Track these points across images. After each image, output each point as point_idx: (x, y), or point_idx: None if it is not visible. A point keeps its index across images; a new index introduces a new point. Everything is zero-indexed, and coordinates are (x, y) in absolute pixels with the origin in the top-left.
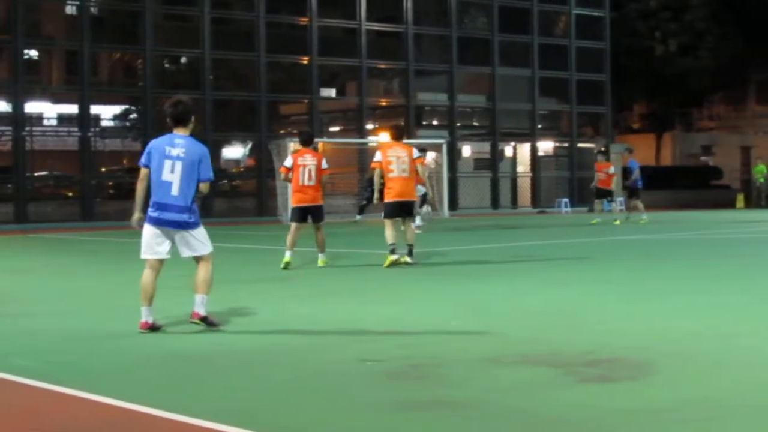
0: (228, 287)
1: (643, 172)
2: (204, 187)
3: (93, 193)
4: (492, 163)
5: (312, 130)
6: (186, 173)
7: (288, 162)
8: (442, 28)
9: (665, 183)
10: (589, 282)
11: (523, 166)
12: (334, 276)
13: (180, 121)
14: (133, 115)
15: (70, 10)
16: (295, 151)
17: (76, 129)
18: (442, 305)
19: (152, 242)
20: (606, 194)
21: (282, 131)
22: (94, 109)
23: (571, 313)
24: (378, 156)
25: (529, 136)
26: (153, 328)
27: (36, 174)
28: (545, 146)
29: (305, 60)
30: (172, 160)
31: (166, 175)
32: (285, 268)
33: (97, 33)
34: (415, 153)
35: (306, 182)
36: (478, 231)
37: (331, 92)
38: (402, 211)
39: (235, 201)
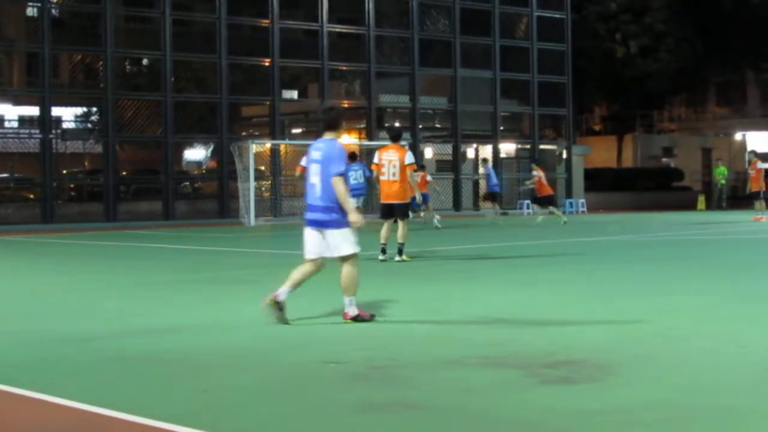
0: (189, 289)
1: (605, 174)
2: (334, 182)
3: (54, 195)
4: (454, 164)
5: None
6: (324, 175)
7: (375, 158)
8: (404, 30)
9: (626, 185)
10: (551, 283)
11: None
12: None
13: (330, 127)
14: (95, 117)
15: (30, 11)
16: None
17: (37, 131)
18: (404, 307)
19: (306, 242)
20: (548, 200)
21: (243, 133)
22: (55, 111)
23: (533, 315)
24: (375, 158)
25: (491, 138)
26: (280, 307)
27: None
28: (507, 148)
29: (266, 62)
30: (314, 164)
31: (312, 178)
32: None
33: (57, 35)
34: (409, 158)
35: (389, 178)
36: (439, 232)
37: (293, 94)
38: (392, 212)
39: (196, 203)
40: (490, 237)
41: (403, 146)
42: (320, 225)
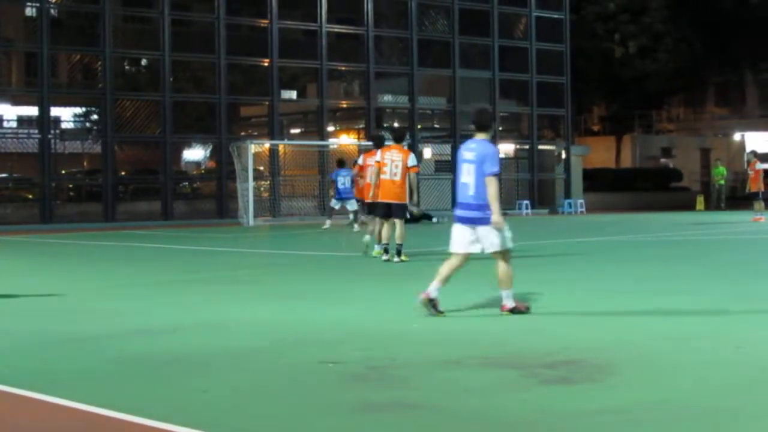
0: (188, 289)
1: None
2: (488, 181)
3: (52, 195)
4: (453, 165)
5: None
6: (477, 174)
7: (359, 160)
8: (402, 31)
9: (625, 185)
10: (550, 283)
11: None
12: (296, 278)
13: (482, 128)
14: (94, 117)
15: (29, 11)
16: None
17: (35, 131)
18: (402, 307)
19: (455, 237)
20: None
21: (242, 133)
22: (54, 111)
23: (532, 316)
24: (378, 156)
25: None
26: (433, 304)
27: None
28: (506, 148)
29: (265, 62)
30: (467, 164)
31: (465, 178)
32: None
33: (56, 35)
34: (412, 160)
35: (390, 177)
36: (437, 233)
37: (292, 94)
38: (389, 212)
39: (195, 203)
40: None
41: (406, 147)
42: (473, 222)
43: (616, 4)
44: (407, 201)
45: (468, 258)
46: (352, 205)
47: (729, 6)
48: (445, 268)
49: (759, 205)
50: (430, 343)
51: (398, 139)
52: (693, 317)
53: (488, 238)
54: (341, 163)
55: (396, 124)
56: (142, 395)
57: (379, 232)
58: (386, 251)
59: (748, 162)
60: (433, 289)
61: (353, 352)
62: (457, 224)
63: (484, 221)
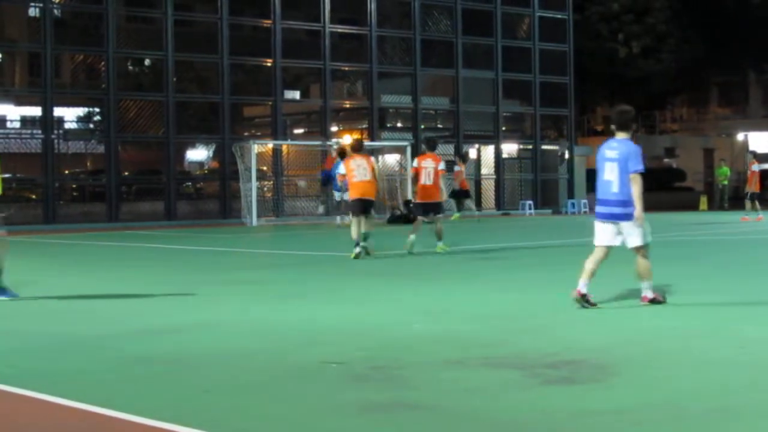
0: (190, 289)
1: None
2: (633, 178)
3: (56, 195)
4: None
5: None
6: (621, 172)
7: (415, 163)
8: (406, 31)
9: None
10: (552, 283)
11: (487, 168)
12: (298, 278)
13: (623, 127)
14: (97, 117)
15: (32, 12)
16: (420, 156)
17: (39, 131)
18: (404, 308)
19: (598, 232)
20: (465, 194)
21: (245, 133)
22: (57, 111)
23: (535, 315)
24: (415, 163)
25: (493, 138)
26: (586, 299)
27: None
28: (509, 148)
29: (269, 62)
30: (609, 162)
31: (607, 175)
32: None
33: (59, 35)
34: (441, 165)
35: (426, 182)
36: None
37: (295, 94)
38: (428, 210)
39: (198, 203)
40: (490, 237)
41: (437, 155)
42: (616, 218)
43: (620, 5)
44: (441, 200)
45: (610, 251)
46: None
47: (732, 6)
48: (589, 263)
49: (749, 204)
50: (431, 343)
51: (432, 147)
52: (695, 317)
53: (630, 234)
54: (343, 155)
55: (399, 124)
56: (144, 395)
57: (415, 230)
58: (357, 245)
59: (749, 162)
60: (582, 285)
61: (355, 353)
62: (599, 221)
63: (627, 217)
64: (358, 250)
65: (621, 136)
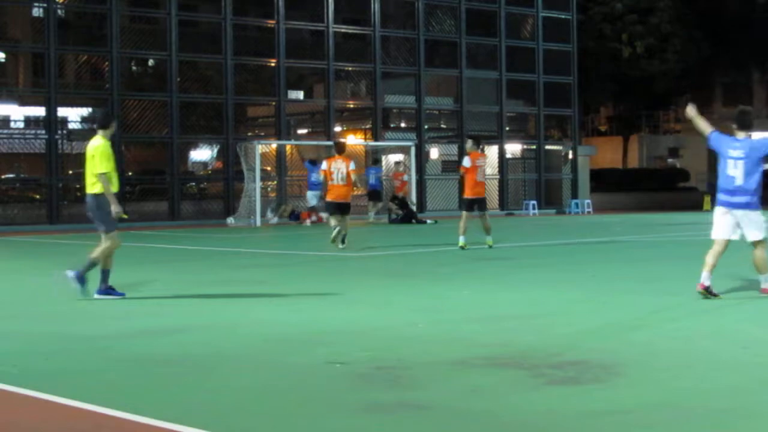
0: (194, 289)
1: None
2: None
3: (60, 195)
4: (459, 165)
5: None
6: (745, 168)
7: (467, 162)
8: (409, 31)
9: (632, 185)
10: (557, 283)
11: (491, 168)
12: (302, 278)
13: (743, 126)
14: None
15: (36, 12)
16: (472, 153)
17: (43, 131)
18: (409, 308)
19: (717, 225)
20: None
21: (249, 133)
22: (61, 111)
23: (539, 316)
24: (467, 162)
25: (497, 138)
26: (710, 291)
27: (2, 177)
28: (513, 148)
29: (272, 62)
30: (733, 160)
31: (731, 171)
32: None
33: (63, 35)
34: (351, 165)
35: (479, 179)
36: (444, 233)
37: (299, 94)
38: (340, 209)
39: (202, 203)
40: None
41: (483, 152)
42: (740, 207)
43: (624, 5)
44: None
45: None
46: (312, 199)
47: (736, 6)
48: (710, 257)
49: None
50: (436, 344)
51: (341, 151)
52: (699, 317)
53: (751, 227)
54: (314, 162)
55: (402, 124)
56: (149, 395)
57: (465, 227)
58: (343, 241)
59: None
60: (705, 279)
61: (360, 353)
62: (720, 208)
63: (748, 206)
64: (334, 233)
65: (741, 135)
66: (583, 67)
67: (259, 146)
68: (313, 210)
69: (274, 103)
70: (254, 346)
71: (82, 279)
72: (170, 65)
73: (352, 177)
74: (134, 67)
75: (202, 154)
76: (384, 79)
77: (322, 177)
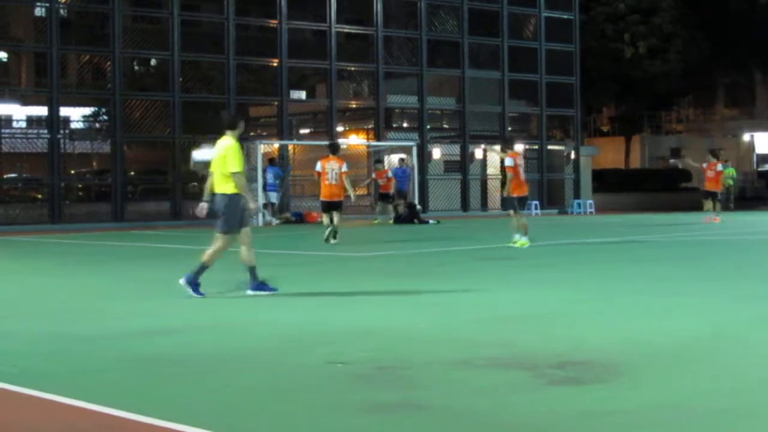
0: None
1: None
2: None
3: (62, 195)
4: (462, 165)
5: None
6: None
7: (509, 161)
8: (412, 31)
9: (634, 186)
10: (559, 283)
11: (493, 168)
12: (302, 278)
13: None
14: (103, 117)
15: (38, 11)
16: (512, 153)
17: (45, 131)
18: (410, 308)
19: None
20: (386, 198)
21: (251, 133)
22: (63, 111)
23: (541, 316)
24: (510, 161)
25: (499, 138)
26: None
27: (4, 176)
28: (515, 148)
29: (274, 62)
30: None
31: None
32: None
33: (65, 35)
34: (344, 167)
35: (523, 177)
36: (445, 233)
37: (301, 94)
38: (331, 207)
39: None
40: (494, 238)
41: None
42: None
43: (626, 5)
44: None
45: None
46: (270, 198)
47: (738, 7)
48: None
49: (708, 204)
50: (437, 344)
51: (334, 151)
52: (702, 318)
53: None
54: (272, 161)
55: (405, 125)
56: (150, 395)
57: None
58: (334, 236)
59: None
60: None
61: (361, 353)
62: None
63: None
64: (334, 241)
65: None
66: (585, 67)
67: (261, 146)
68: (271, 206)
69: (276, 103)
70: (255, 347)
71: (258, 286)
72: (172, 65)
73: (344, 178)
74: (136, 67)
75: (203, 154)
76: (386, 79)
77: (273, 181)
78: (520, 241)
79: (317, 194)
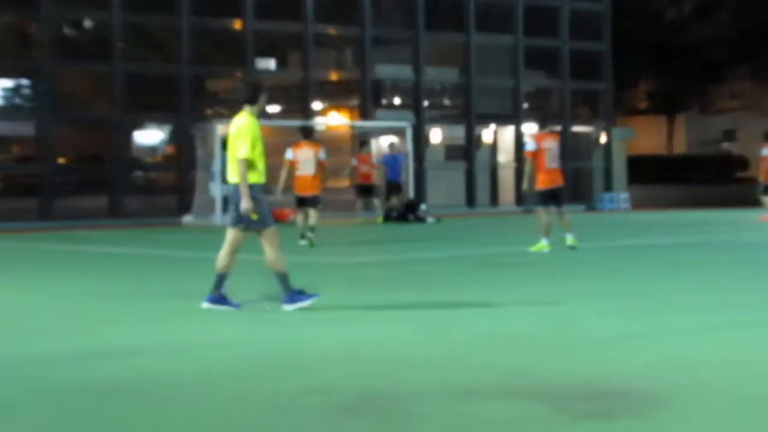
0: (144, 302)
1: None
2: None
3: None
4: (467, 151)
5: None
6: None
7: (530, 146)
8: None
9: (678, 176)
10: (584, 296)
11: (505, 154)
12: (267, 291)
13: None
14: (26, 92)
15: None
16: (537, 135)
17: None
18: (403, 325)
19: None
20: (369, 191)
21: (209, 111)
22: None
23: (563, 335)
24: (531, 145)
25: (513, 118)
26: None
27: None
28: (532, 131)
29: (238, 24)
30: None
31: None
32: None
33: None
34: (321, 154)
35: (553, 165)
36: (448, 234)
37: (270, 64)
38: (306, 203)
39: (151, 198)
40: (506, 240)
41: (555, 132)
42: None
43: None
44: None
45: None
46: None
47: None
48: None
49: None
50: (437, 368)
51: (308, 136)
52: (759, 337)
53: None
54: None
55: (397, 101)
56: None
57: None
58: (302, 237)
59: None
60: None
61: (345, 379)
62: None
63: None
64: (303, 242)
65: None
66: (618, 31)
67: (221, 127)
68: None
69: (239, 75)
70: (216, 372)
71: (294, 297)
72: (112, 28)
73: (324, 167)
74: (68, 31)
75: (150, 137)
76: (375, 46)
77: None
78: (539, 244)
79: (289, 187)
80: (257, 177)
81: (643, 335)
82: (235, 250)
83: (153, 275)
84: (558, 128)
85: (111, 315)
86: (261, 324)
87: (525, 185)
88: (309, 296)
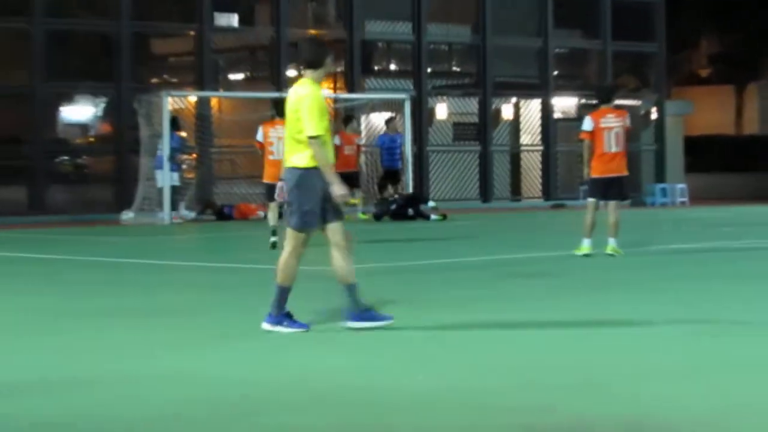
0: (69, 323)
1: (716, 144)
2: None
3: None
4: (481, 130)
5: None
6: None
7: (587, 125)
8: None
9: (749, 162)
10: (625, 315)
11: (530, 135)
12: (241, 306)
13: None
14: None
15: None
16: (596, 112)
17: None
18: (401, 351)
19: None
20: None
21: (155, 80)
22: None
23: (601, 364)
24: (588, 124)
25: (539, 89)
26: None
27: None
28: (563, 104)
29: None
30: None
31: None
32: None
33: None
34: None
35: (613, 149)
36: (455, 234)
37: (232, 20)
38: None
39: (82, 189)
40: (530, 243)
41: (622, 108)
42: None
43: None
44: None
45: None
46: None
47: None
48: None
49: None
50: (443, 406)
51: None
52: None
53: None
54: (175, 123)
55: (393, 67)
56: None
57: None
58: (273, 233)
59: None
60: None
61: (325, 421)
62: None
63: None
64: (274, 239)
65: None
66: None
67: (170, 100)
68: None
69: (193, 33)
70: (169, 413)
71: (363, 314)
72: None
73: None
74: None
75: (80, 113)
76: None
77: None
78: (581, 246)
79: (258, 176)
80: (320, 161)
81: (699, 364)
82: (299, 255)
83: (82, 287)
84: (626, 103)
85: (29, 339)
86: (221, 351)
87: (585, 173)
88: (383, 318)
